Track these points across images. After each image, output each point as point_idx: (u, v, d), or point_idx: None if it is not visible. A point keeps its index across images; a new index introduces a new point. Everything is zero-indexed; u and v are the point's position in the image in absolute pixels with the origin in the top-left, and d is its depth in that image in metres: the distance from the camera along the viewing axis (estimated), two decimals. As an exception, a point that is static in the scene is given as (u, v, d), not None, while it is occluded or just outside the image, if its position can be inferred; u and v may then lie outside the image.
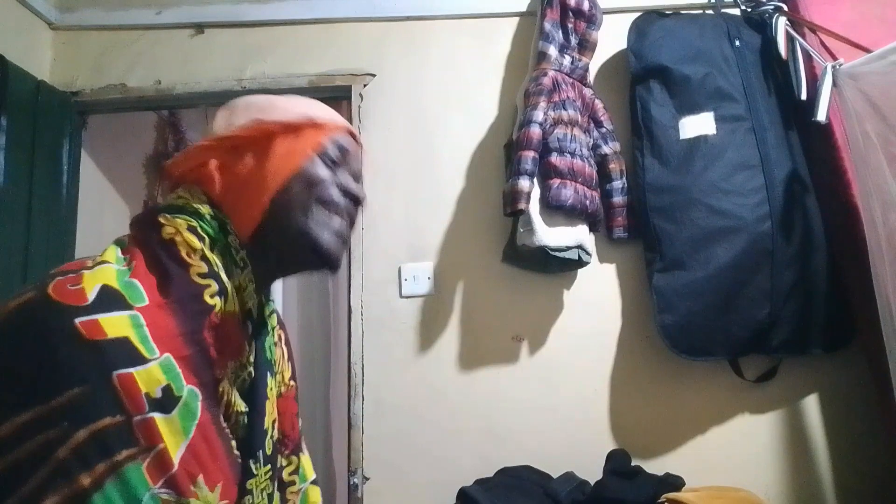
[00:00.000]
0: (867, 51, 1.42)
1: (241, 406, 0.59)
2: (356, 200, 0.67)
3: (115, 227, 2.27)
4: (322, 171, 0.64)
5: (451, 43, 1.84)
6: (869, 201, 1.33)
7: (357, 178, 0.70)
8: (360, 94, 1.80)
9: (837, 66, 1.43)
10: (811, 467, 1.57)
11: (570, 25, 1.68)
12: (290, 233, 0.62)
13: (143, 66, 1.85)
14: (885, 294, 1.27)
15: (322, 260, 0.64)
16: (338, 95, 1.82)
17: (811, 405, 1.61)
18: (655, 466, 1.50)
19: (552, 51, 1.63)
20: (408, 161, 1.75)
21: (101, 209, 2.13)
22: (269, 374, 0.66)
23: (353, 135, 0.70)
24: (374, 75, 1.82)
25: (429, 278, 1.69)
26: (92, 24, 1.87)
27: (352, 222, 0.68)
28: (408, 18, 1.86)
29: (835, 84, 1.42)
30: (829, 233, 1.54)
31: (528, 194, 1.49)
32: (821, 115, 1.42)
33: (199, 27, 1.87)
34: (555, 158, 1.53)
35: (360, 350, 1.66)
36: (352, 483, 1.58)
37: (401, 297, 1.68)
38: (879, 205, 1.29)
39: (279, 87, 1.81)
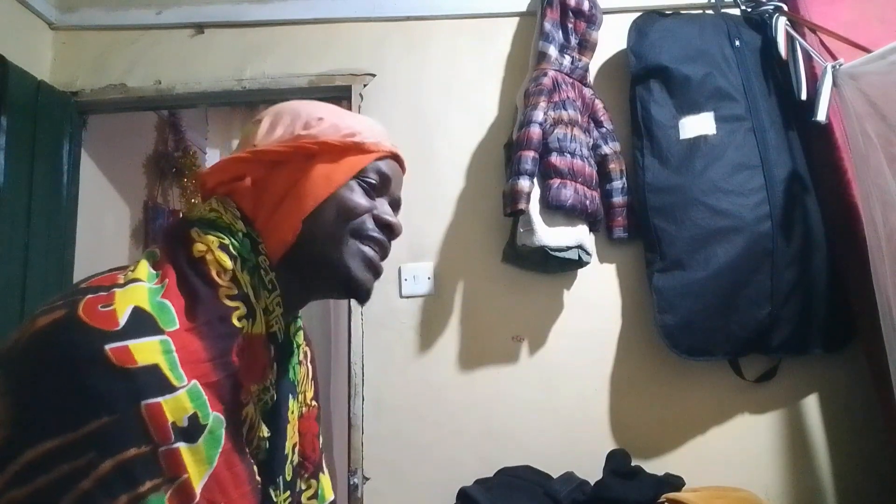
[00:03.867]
0: (867, 51, 1.42)
1: (265, 431, 0.58)
2: (391, 233, 0.65)
3: (115, 227, 2.28)
4: (359, 200, 0.61)
5: (451, 43, 1.84)
6: (869, 201, 1.33)
7: (396, 205, 0.68)
8: (360, 94, 1.80)
9: (837, 66, 1.43)
10: (811, 467, 1.57)
11: (570, 25, 1.68)
12: (319, 260, 0.60)
13: (143, 66, 1.85)
14: (885, 294, 1.27)
15: (352, 290, 0.62)
16: (338, 95, 1.82)
17: (811, 405, 1.61)
18: (655, 466, 1.50)
19: (552, 51, 1.63)
20: (408, 161, 1.74)
21: (101, 209, 2.13)
22: (291, 396, 0.65)
23: (397, 159, 0.68)
24: (374, 75, 1.82)
25: (429, 278, 1.69)
26: (92, 24, 1.87)
27: (384, 254, 0.65)
28: (408, 18, 1.86)
29: (835, 84, 1.42)
30: (829, 233, 1.54)
31: (528, 194, 1.49)
32: (821, 115, 1.42)
33: (199, 27, 1.87)
34: (555, 158, 1.53)
35: (360, 350, 1.66)
36: (352, 483, 1.58)
37: (401, 297, 1.69)
38: (879, 205, 1.29)
39: (279, 87, 1.81)
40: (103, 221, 2.15)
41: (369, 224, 0.63)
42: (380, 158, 0.65)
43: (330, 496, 0.76)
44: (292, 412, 0.65)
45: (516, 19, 1.85)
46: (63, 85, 1.81)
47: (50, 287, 1.65)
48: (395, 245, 0.67)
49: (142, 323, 0.47)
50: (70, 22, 1.87)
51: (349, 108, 1.78)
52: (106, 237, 2.18)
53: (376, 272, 0.64)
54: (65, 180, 1.77)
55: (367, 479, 1.59)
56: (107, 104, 1.86)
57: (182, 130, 2.78)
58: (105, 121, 1.99)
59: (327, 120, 0.63)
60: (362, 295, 0.63)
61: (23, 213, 1.59)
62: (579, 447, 1.57)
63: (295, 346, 0.68)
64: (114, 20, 1.88)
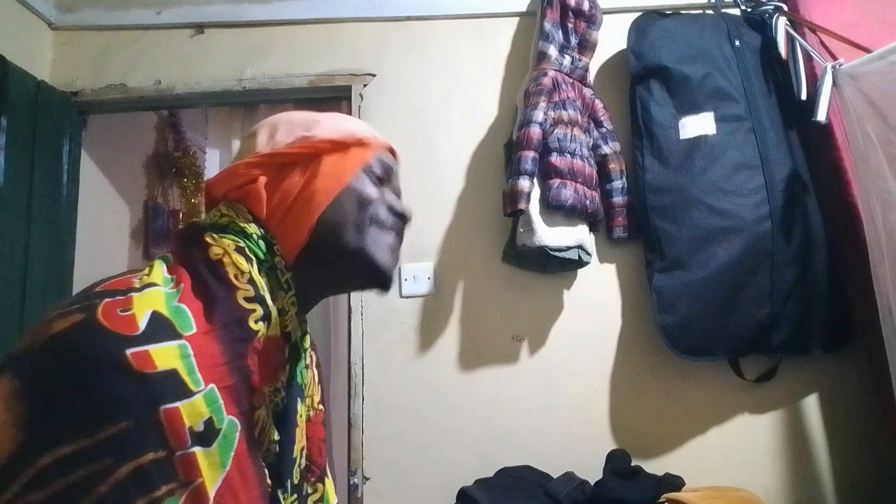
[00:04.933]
0: (867, 51, 1.41)
1: (275, 435, 0.58)
2: (403, 218, 0.67)
3: (115, 227, 2.28)
4: (371, 189, 0.64)
5: (451, 43, 1.84)
6: (869, 201, 1.33)
7: (398, 194, 0.70)
8: (360, 94, 1.80)
9: (837, 66, 1.43)
10: (811, 467, 1.57)
11: (570, 25, 1.68)
12: (342, 251, 0.61)
13: (143, 66, 1.85)
14: (885, 294, 1.27)
15: (377, 278, 0.64)
16: (338, 95, 1.82)
17: (811, 405, 1.61)
18: (655, 466, 1.50)
19: (552, 51, 1.63)
20: (408, 161, 1.72)
21: (101, 209, 2.13)
22: (299, 399, 0.65)
23: (393, 152, 0.71)
24: (374, 75, 1.82)
25: (429, 278, 1.69)
26: (92, 24, 1.87)
27: (401, 241, 0.67)
28: (408, 18, 1.86)
29: (835, 84, 1.42)
30: (829, 233, 1.54)
31: (528, 194, 1.49)
32: (821, 115, 1.42)
33: (199, 27, 1.87)
34: (555, 158, 1.53)
35: (360, 350, 1.66)
36: (352, 483, 1.58)
37: (401, 297, 1.69)
38: (879, 205, 1.29)
39: (279, 87, 1.81)
40: (103, 221, 2.15)
41: (383, 210, 0.65)
42: (380, 150, 0.68)
43: (333, 500, 0.77)
44: (300, 415, 0.65)
45: (516, 19, 1.85)
46: (63, 85, 1.81)
47: (50, 287, 1.65)
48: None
49: (160, 328, 0.47)
50: (70, 22, 1.87)
51: (349, 107, 1.79)
52: (106, 237, 2.18)
53: (396, 259, 0.66)
54: (65, 180, 1.77)
55: (367, 479, 1.59)
56: (107, 104, 1.86)
57: (182, 130, 2.78)
58: (105, 121, 1.99)
59: (324, 122, 0.65)
60: (386, 282, 0.65)
61: (23, 213, 1.59)
62: (579, 447, 1.57)
63: (302, 349, 0.68)
64: (114, 20, 1.87)
